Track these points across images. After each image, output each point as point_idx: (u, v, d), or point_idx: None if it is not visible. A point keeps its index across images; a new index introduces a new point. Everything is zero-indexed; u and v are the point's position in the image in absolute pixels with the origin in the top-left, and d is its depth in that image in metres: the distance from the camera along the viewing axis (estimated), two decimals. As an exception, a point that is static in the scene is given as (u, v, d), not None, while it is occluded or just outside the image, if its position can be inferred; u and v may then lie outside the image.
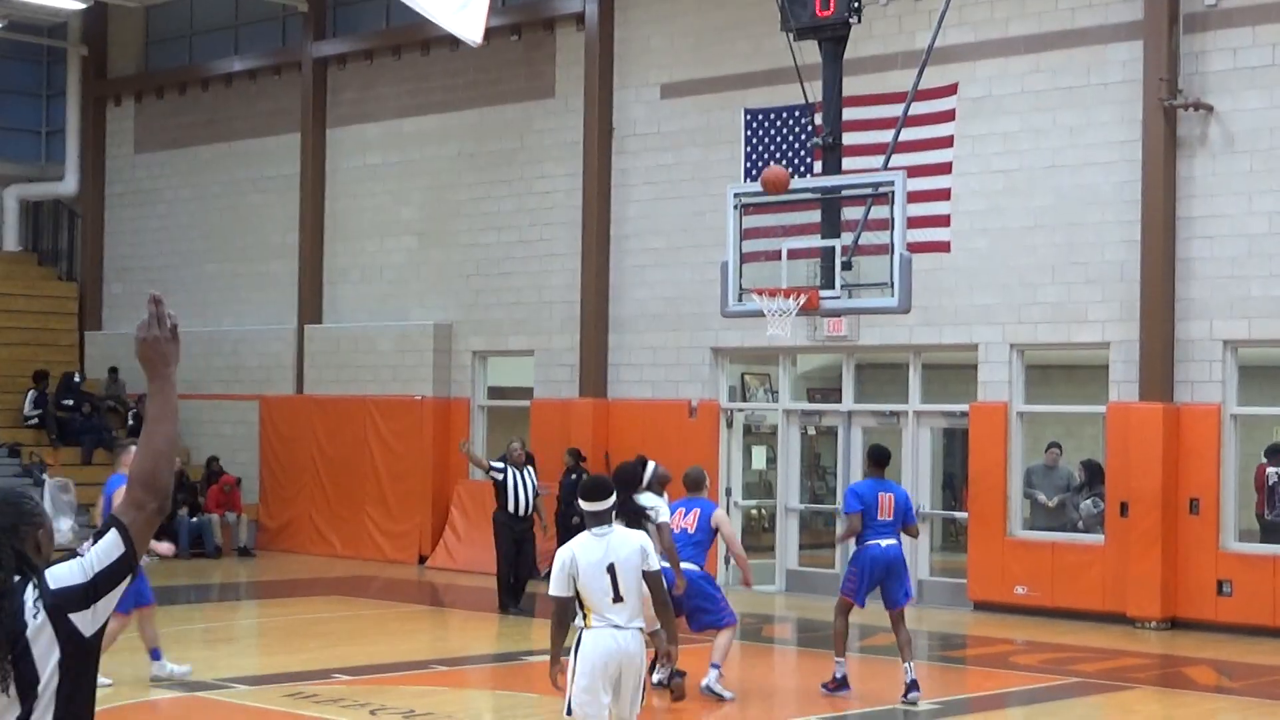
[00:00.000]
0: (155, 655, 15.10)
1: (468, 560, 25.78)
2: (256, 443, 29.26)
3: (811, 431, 24.39)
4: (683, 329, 24.33)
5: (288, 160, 29.58)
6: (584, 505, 9.61)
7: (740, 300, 18.78)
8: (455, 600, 22.80)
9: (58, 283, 33.57)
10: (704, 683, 14.43)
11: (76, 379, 30.29)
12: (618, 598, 9.32)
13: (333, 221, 29.07)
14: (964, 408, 21.93)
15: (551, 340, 25.89)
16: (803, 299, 18.05)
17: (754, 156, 22.44)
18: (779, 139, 22.11)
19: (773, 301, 18.68)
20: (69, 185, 33.19)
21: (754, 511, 24.99)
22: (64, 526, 27.08)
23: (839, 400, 23.46)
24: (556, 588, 9.42)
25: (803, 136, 21.62)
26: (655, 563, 9.56)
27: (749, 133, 22.37)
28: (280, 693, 14.57)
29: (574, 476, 24.39)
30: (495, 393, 27.31)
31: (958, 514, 22.47)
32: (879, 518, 14.90)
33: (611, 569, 9.34)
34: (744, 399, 24.88)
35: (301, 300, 29.21)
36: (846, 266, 17.93)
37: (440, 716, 13.62)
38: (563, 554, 9.48)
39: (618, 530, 9.58)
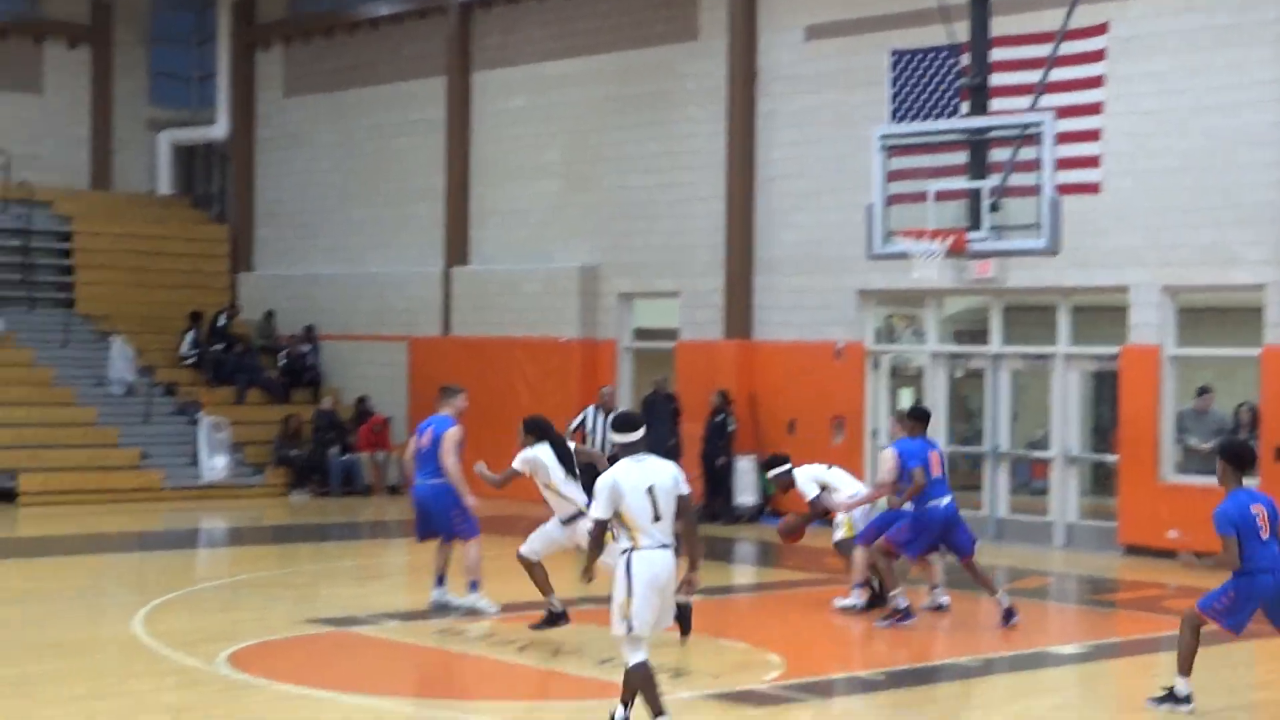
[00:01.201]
0: (473, 587, 15.59)
1: (613, 501, 25.89)
2: (405, 383, 29.60)
3: (958, 374, 24.23)
4: (828, 271, 24.23)
5: (433, 104, 29.78)
6: (616, 438, 10.34)
7: (886, 242, 18.69)
8: (600, 540, 22.91)
9: (210, 225, 34.10)
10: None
11: (220, 323, 30.73)
12: (657, 517, 10.00)
13: (478, 165, 29.25)
14: (1114, 351, 21.68)
15: (697, 282, 25.91)
16: (949, 241, 17.94)
17: (900, 98, 22.27)
18: (925, 80, 21.92)
19: (919, 243, 18.57)
20: (220, 129, 33.66)
21: (900, 454, 24.86)
22: (218, 464, 27.65)
23: (986, 343, 23.28)
24: (599, 510, 10.08)
25: (949, 77, 21.42)
26: (687, 487, 10.23)
27: (895, 74, 22.20)
28: (430, 629, 14.78)
29: (720, 418, 24.47)
30: (641, 334, 27.40)
31: (1107, 457, 22.23)
32: (932, 476, 15.38)
33: (651, 490, 10.03)
34: (890, 341, 24.78)
35: (448, 243, 29.46)
36: (994, 208, 17.78)
37: (588, 654, 13.75)
38: (605, 479, 10.12)
39: (651, 458, 10.24)
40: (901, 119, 21.69)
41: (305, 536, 23.44)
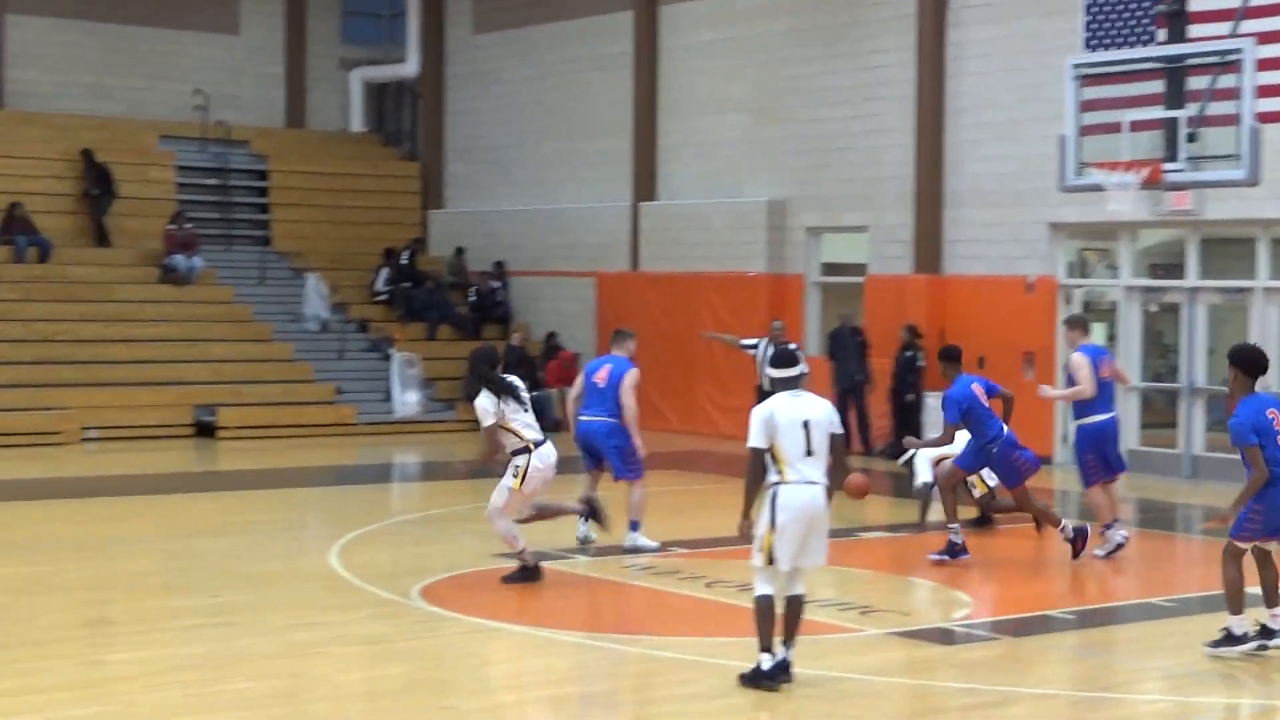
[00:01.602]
0: (634, 527, 15.74)
1: (801, 436, 25.87)
2: (594, 319, 29.76)
3: (1153, 309, 23.78)
4: (1020, 204, 23.88)
5: (621, 38, 29.78)
6: (773, 372, 10.52)
7: (1079, 174, 18.39)
8: (788, 476, 22.89)
9: (401, 162, 34.49)
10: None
11: (403, 260, 31.02)
12: (809, 452, 10.17)
13: (666, 99, 29.21)
14: (1315, 284, 21.12)
15: (885, 216, 25.68)
16: (1145, 172, 17.62)
17: (1094, 26, 21.85)
18: (1120, 7, 21.47)
19: (1113, 175, 18.26)
20: (410, 67, 33.99)
21: (1092, 389, 24.51)
22: (411, 400, 28.05)
23: (1182, 276, 22.81)
24: (756, 439, 10.23)
25: (1145, 3, 20.96)
26: (840, 427, 10.49)
27: (1089, 1, 21.75)
28: (618, 564, 14.89)
29: (909, 353, 24.28)
30: (829, 269, 27.26)
31: (1307, 393, 21.69)
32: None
33: (806, 425, 10.20)
34: (1083, 275, 24.38)
35: (636, 178, 29.50)
36: (1191, 138, 17.41)
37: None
38: (762, 410, 10.28)
39: (807, 394, 10.41)
40: (1095, 47, 21.29)
41: (495, 472, 23.67)
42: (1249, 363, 11.09)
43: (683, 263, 28.28)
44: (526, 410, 13.68)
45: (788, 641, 10.32)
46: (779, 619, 10.30)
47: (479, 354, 13.84)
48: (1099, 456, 15.44)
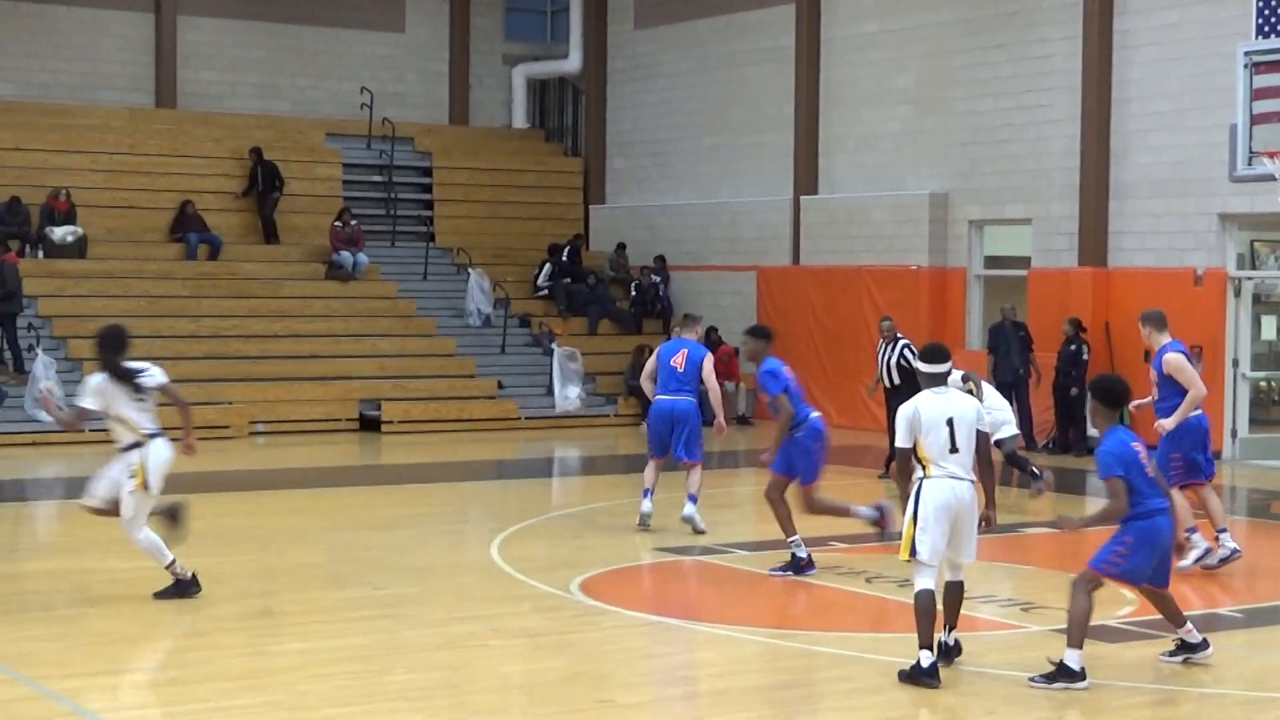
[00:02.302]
0: (692, 500, 16.10)
1: (964, 431, 25.64)
2: (754, 312, 29.70)
3: (1326, 300, 23.28)
4: (1188, 194, 23.46)
5: (783, 31, 29.68)
6: (923, 367, 10.56)
7: (1250, 164, 18.02)
8: (951, 471, 22.69)
9: (563, 158, 34.67)
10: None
11: (565, 256, 31.16)
12: (954, 449, 10.23)
13: (827, 91, 29.08)
14: None
15: (1050, 208, 25.36)
16: (1318, 162, 17.19)
17: (1266, 12, 21.38)
18: (1294, -8, 20.98)
19: (1285, 165, 17.85)
20: (573, 63, 34.16)
21: (1263, 384, 24.09)
22: (571, 394, 28.19)
23: (1357, 268, 22.28)
24: (901, 439, 10.39)
25: (1321, -12, 20.47)
26: (988, 424, 10.68)
27: (1261, -13, 21.29)
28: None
29: (1073, 347, 23.96)
30: (991, 262, 26.97)
31: None
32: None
33: (950, 423, 10.26)
34: (1253, 267, 23.90)
35: (797, 171, 29.40)
36: (1367, 126, 16.97)
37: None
38: (907, 409, 10.38)
39: (954, 391, 10.56)
40: (1268, 34, 20.81)
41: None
42: (1108, 395, 10.39)
43: (844, 256, 28.14)
44: (144, 401, 12.63)
45: (950, 627, 10.43)
46: (940, 611, 10.30)
47: (105, 334, 12.84)
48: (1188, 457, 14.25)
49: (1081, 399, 24.02)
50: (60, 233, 27.97)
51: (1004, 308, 25.11)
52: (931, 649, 10.14)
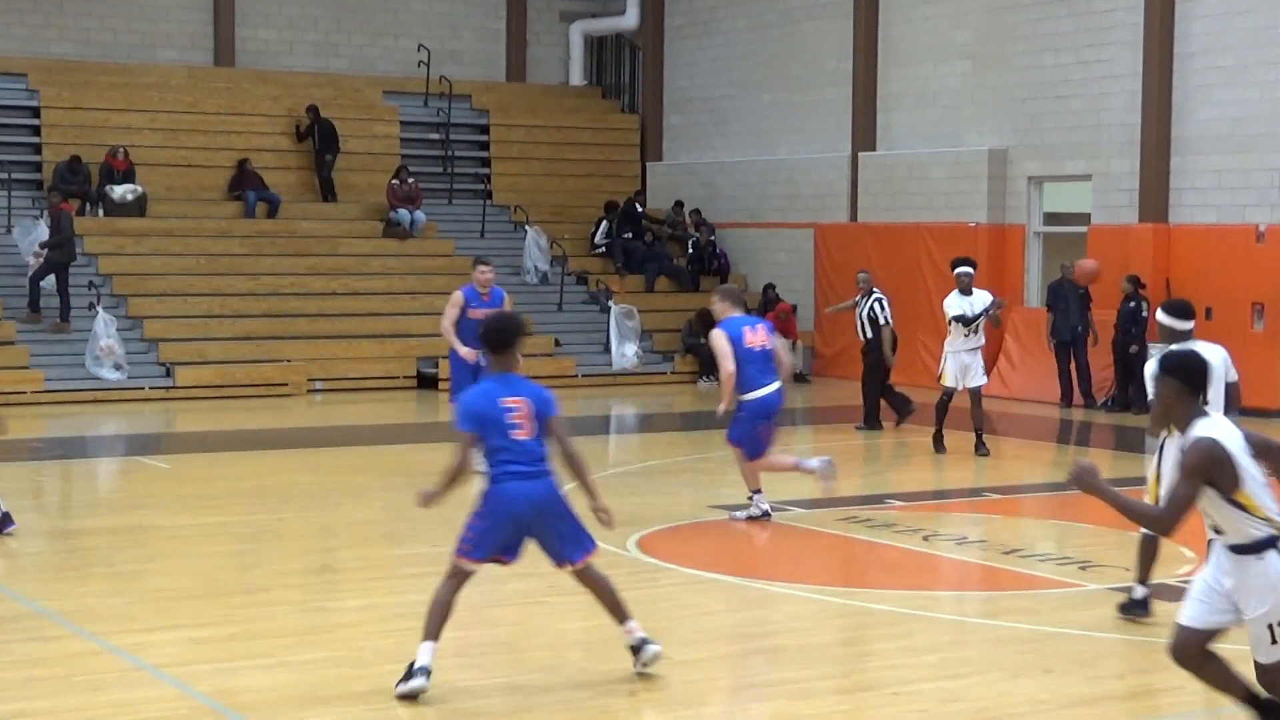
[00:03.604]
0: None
1: (1021, 388, 25.56)
2: (811, 270, 29.63)
3: (1391, 257, 23.01)
4: (1250, 150, 23.23)
5: (840, -13, 29.53)
6: (1168, 322, 10.44)
7: (1313, 119, 17.80)
8: (1008, 429, 22.65)
9: (620, 115, 34.61)
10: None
11: (637, 208, 31.22)
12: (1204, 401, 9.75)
13: (886, 47, 28.90)
14: None
15: (1110, 164, 25.16)
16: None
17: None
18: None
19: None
20: (630, 19, 34.05)
21: (1326, 341, 23.84)
22: (629, 352, 28.20)
23: None
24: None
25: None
26: (1235, 373, 10.61)
27: (1326, -61, 21.03)
28: (834, 517, 14.83)
29: (1132, 304, 23.79)
30: (1051, 219, 26.80)
31: None
32: None
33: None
34: (1316, 223, 23.65)
35: (855, 127, 29.25)
36: None
37: (992, 544, 13.62)
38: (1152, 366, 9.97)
39: (1201, 342, 10.24)
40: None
41: (713, 424, 23.72)
42: (494, 335, 9.23)
43: (902, 213, 28.01)
44: None
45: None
46: None
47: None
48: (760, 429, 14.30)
49: (1141, 356, 23.87)
50: (120, 191, 28.13)
51: (1063, 265, 24.96)
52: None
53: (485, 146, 32.98)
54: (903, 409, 21.58)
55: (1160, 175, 24.37)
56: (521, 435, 9.09)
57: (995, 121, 26.94)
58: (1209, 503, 7.50)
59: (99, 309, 25.08)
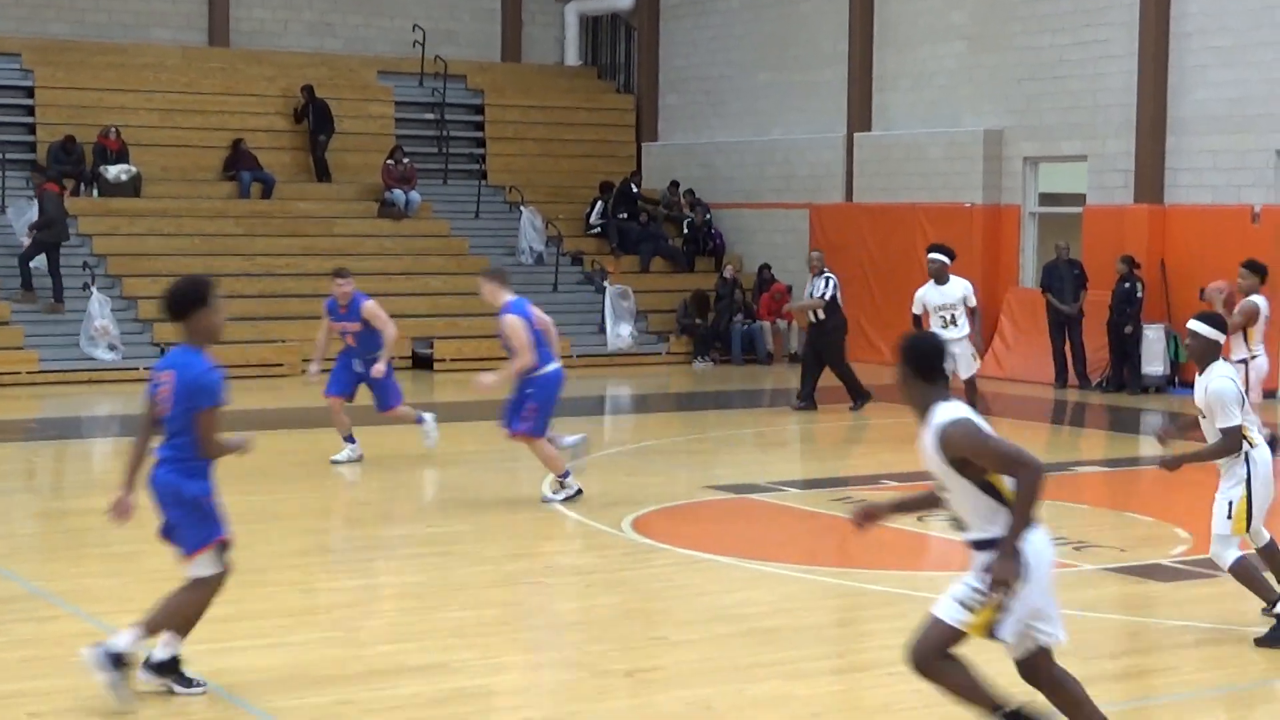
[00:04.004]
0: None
1: (1016, 369, 25.58)
2: (807, 251, 29.57)
3: (1386, 238, 22.99)
4: (1247, 131, 23.23)
5: (832, -33, 29.48)
6: (1206, 331, 9.82)
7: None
8: (1003, 409, 22.66)
9: (616, 95, 34.56)
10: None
11: (633, 189, 31.21)
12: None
13: (882, 27, 28.86)
14: None
15: (1106, 145, 25.15)
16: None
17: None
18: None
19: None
20: (625, -1, 34.03)
21: (1321, 322, 23.84)
22: (624, 332, 28.20)
23: None
24: (1237, 417, 9.66)
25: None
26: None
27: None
28: (829, 497, 14.86)
29: (1127, 285, 23.80)
30: (1047, 199, 26.80)
31: None
32: None
33: None
34: (1312, 204, 23.65)
35: (851, 108, 29.22)
36: None
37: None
38: (1231, 387, 9.68)
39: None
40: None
41: (708, 404, 23.80)
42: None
43: (898, 194, 28.00)
44: None
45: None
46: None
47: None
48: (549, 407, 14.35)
49: (1136, 337, 23.92)
50: (114, 171, 28.09)
51: (1058, 245, 24.96)
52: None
53: (480, 127, 32.94)
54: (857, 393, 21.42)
55: (1156, 156, 24.36)
56: (160, 412, 8.60)
57: (991, 102, 26.92)
58: (957, 489, 7.15)
59: (93, 289, 25.07)
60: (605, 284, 28.79)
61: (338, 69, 32.16)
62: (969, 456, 7.05)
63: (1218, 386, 9.61)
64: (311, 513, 14.47)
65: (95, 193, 28.03)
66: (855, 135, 29.01)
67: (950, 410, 7.16)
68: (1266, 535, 10.03)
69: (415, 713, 8.47)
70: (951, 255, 19.17)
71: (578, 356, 27.63)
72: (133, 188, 28.21)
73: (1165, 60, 24.25)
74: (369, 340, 16.54)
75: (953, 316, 18.61)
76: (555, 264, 29.55)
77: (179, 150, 29.77)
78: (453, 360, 26.62)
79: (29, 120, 29.40)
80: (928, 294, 18.76)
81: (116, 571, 11.69)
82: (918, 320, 19.00)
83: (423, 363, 26.64)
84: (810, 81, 30.25)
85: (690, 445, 18.70)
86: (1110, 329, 24.01)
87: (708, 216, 31.11)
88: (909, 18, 28.34)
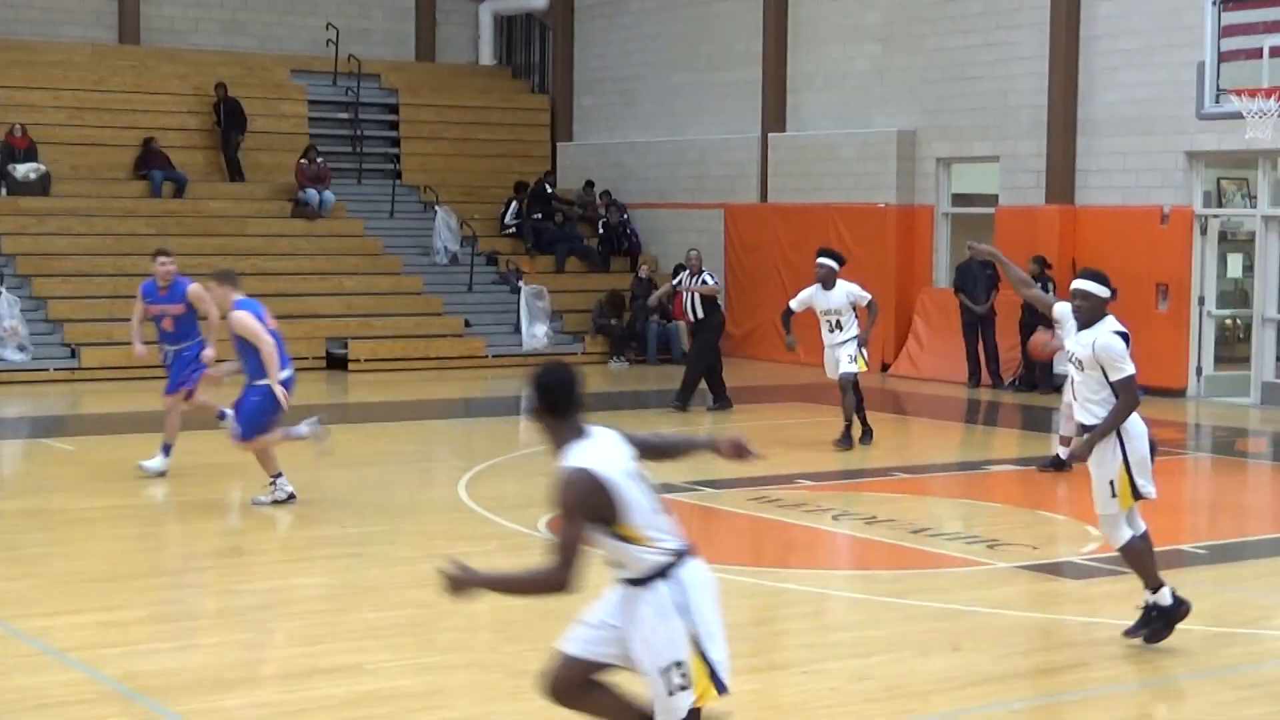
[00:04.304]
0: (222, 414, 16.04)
1: (930, 368, 25.73)
2: (721, 251, 29.67)
3: (1292, 238, 23.30)
4: (1155, 132, 23.47)
5: (750, -32, 29.55)
6: (1089, 287, 10.10)
7: (1218, 101, 18.03)
8: (918, 409, 22.83)
9: (530, 95, 34.51)
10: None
11: (548, 188, 31.17)
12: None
13: (796, 28, 28.96)
14: None
15: (1017, 146, 25.35)
16: (1285, 99, 17.22)
17: (1235, -51, 21.34)
18: (1262, -71, 20.94)
19: (1252, 102, 17.91)
20: (540, -1, 33.98)
21: (1228, 321, 24.16)
22: (539, 332, 28.16)
23: (1323, 206, 22.31)
24: (1131, 367, 9.83)
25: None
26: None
27: (1230, -77, 21.24)
28: (745, 496, 14.88)
29: (1039, 285, 23.98)
30: (959, 200, 26.98)
31: None
32: None
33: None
34: (1219, 205, 23.93)
35: (765, 108, 29.31)
36: (1333, 64, 16.99)
37: (901, 523, 13.71)
38: (1119, 342, 9.87)
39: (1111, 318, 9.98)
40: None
41: (624, 404, 23.80)
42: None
43: (812, 194, 28.11)
44: None
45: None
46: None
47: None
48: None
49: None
50: (23, 170, 27.76)
51: (969, 244, 25.07)
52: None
53: (395, 126, 32.81)
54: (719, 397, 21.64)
55: (1066, 157, 24.58)
56: None
57: (904, 103, 27.08)
58: (597, 539, 6.65)
59: (2, 290, 24.77)
60: (520, 284, 28.73)
61: (250, 67, 31.93)
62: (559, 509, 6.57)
63: (1106, 341, 9.72)
64: (225, 514, 14.35)
65: (3, 191, 27.69)
66: (769, 135, 29.10)
67: (582, 454, 6.66)
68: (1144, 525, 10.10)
69: (329, 715, 8.42)
70: (841, 261, 19.04)
71: (493, 356, 27.60)
72: (41, 186, 27.88)
73: (1075, 62, 24.47)
74: (187, 327, 16.15)
75: (838, 321, 18.55)
76: (470, 264, 29.47)
77: (89, 149, 29.45)
78: (367, 361, 26.50)
79: (-65, 118, 29.03)
80: (814, 297, 18.66)
81: (25, 575, 11.56)
82: (789, 315, 18.99)
83: (337, 363, 26.50)
84: (724, 82, 30.33)
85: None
86: (1022, 329, 24.18)
87: (624, 216, 31.13)
88: (822, 18, 28.46)
